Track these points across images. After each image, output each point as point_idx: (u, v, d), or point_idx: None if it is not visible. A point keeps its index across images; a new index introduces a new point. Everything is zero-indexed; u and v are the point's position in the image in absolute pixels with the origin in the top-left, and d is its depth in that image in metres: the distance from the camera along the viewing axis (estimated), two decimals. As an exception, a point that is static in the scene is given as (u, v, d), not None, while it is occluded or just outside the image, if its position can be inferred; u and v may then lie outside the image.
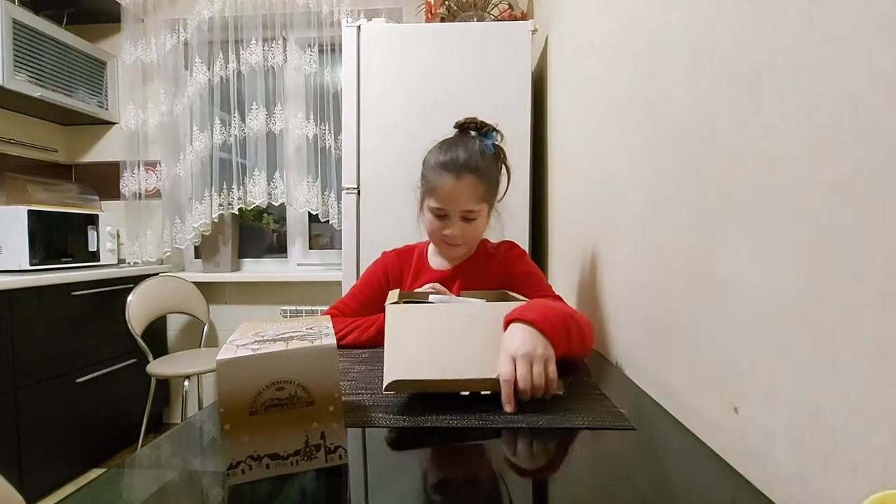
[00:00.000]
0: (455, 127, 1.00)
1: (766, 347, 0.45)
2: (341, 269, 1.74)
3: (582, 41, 1.20)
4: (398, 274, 1.07)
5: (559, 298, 0.97)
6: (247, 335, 0.50)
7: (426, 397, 0.65)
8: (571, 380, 0.72)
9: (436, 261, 1.07)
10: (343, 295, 1.10)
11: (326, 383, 0.45)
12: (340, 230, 2.22)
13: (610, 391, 0.69)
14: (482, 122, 0.99)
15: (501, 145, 1.01)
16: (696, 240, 0.58)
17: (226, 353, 0.43)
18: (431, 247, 1.08)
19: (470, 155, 0.93)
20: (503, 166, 1.02)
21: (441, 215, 0.96)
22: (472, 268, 1.05)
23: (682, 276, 0.62)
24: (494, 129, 1.00)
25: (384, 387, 0.61)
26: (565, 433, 0.55)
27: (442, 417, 0.58)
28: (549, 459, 0.51)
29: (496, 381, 0.61)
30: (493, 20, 1.79)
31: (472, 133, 0.99)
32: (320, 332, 0.50)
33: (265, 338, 0.48)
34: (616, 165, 0.91)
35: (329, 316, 0.59)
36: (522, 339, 0.64)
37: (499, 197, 1.03)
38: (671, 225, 0.65)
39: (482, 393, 0.63)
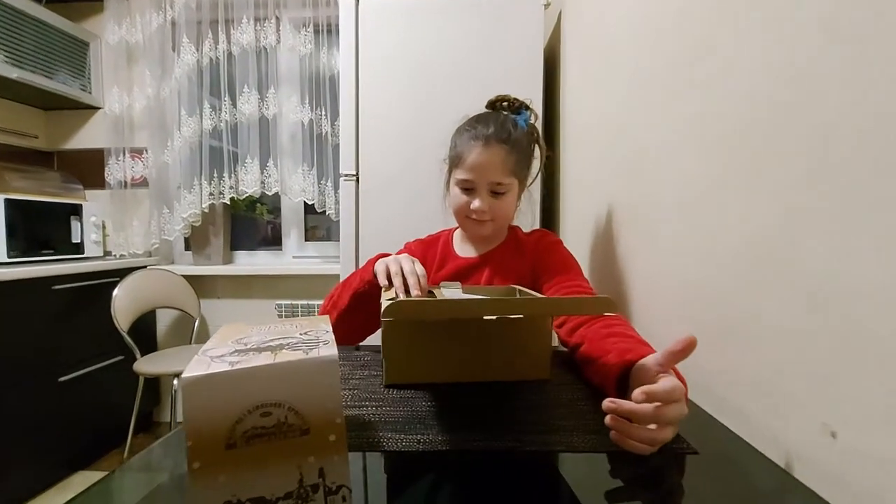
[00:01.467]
0: (487, 106, 0.97)
1: (874, 358, 0.35)
2: (339, 262, 1.64)
3: (603, 11, 1.09)
4: (422, 261, 0.96)
5: (593, 292, 0.87)
6: (225, 342, 0.40)
7: (442, 408, 0.55)
8: None
9: (463, 248, 0.99)
10: None
11: (325, 405, 0.35)
12: (338, 221, 2.12)
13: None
14: (515, 98, 0.95)
15: (536, 125, 0.96)
16: (770, 227, 0.48)
17: (195, 368, 0.33)
18: (458, 234, 1.02)
19: (501, 125, 0.88)
20: (536, 146, 0.96)
21: (468, 188, 0.89)
22: (501, 256, 0.96)
23: (747, 270, 0.52)
24: (527, 107, 0.95)
25: (381, 312, 0.54)
26: (613, 458, 0.45)
27: (464, 437, 0.49)
28: (602, 490, 0.41)
29: (499, 304, 0.58)
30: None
31: (504, 112, 0.94)
32: (318, 337, 0.40)
33: (248, 346, 0.38)
34: (648, 143, 0.81)
35: (328, 317, 0.49)
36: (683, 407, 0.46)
37: (530, 179, 0.97)
38: (730, 208, 0.56)
39: (485, 318, 0.62)
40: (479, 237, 0.97)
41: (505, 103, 0.95)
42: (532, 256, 0.94)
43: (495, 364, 0.67)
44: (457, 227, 1.01)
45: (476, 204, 0.88)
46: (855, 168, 0.38)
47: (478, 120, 0.90)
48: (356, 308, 0.85)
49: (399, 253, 0.98)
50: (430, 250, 1.01)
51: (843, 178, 0.39)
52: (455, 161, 0.90)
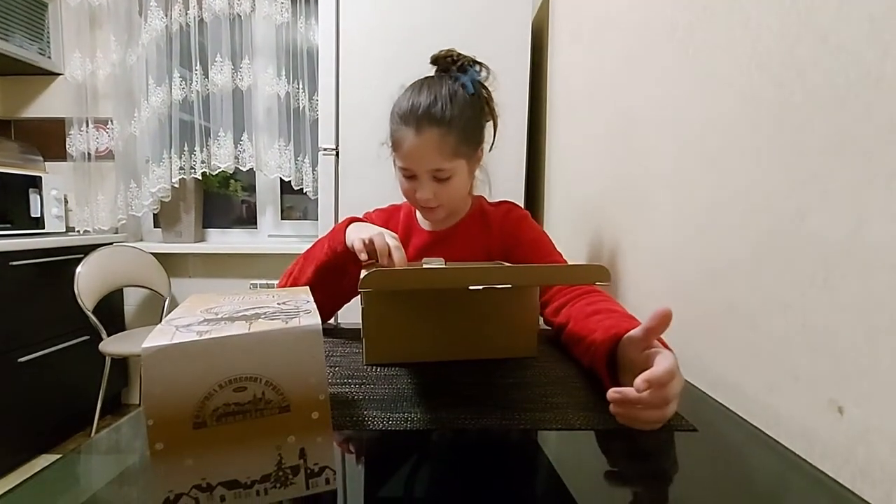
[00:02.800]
0: (431, 62, 0.84)
1: (885, 331, 0.34)
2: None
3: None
4: None
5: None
6: (193, 311, 0.36)
7: (429, 386, 0.52)
8: None
9: (426, 221, 0.92)
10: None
11: (307, 380, 0.31)
12: (316, 200, 2.05)
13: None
14: (459, 54, 0.82)
15: (487, 84, 0.84)
16: (774, 198, 0.46)
17: (158, 337, 0.29)
18: None
19: (435, 101, 0.76)
20: (487, 109, 0.85)
21: (409, 176, 0.81)
22: (467, 229, 0.90)
23: (750, 244, 0.50)
24: (474, 62, 0.83)
25: (359, 283, 0.49)
26: (608, 436, 0.43)
27: (454, 415, 0.46)
28: (600, 470, 0.39)
29: (486, 272, 0.53)
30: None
31: (449, 72, 0.82)
32: (297, 307, 0.36)
33: (219, 315, 0.34)
34: (643, 114, 0.79)
35: (307, 288, 0.45)
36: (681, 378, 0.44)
37: (485, 147, 0.86)
38: (731, 180, 0.54)
39: (470, 288, 0.59)
40: (435, 220, 0.90)
41: (449, 59, 0.82)
42: (500, 232, 0.89)
43: (481, 341, 0.64)
44: None
45: (420, 194, 0.81)
46: (863, 136, 0.36)
47: (412, 94, 0.79)
48: (320, 283, 0.74)
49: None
50: (392, 221, 0.94)
51: (851, 146, 0.37)
52: (393, 146, 0.82)
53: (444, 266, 0.71)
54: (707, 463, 0.40)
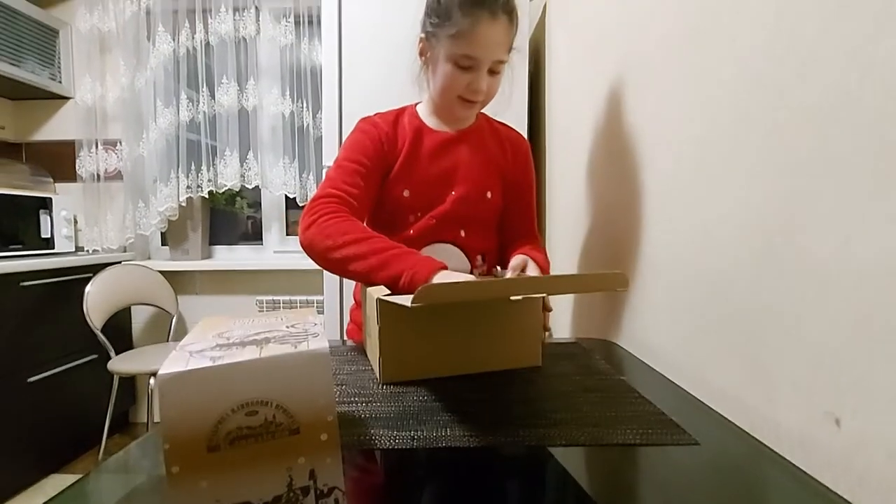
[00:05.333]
0: None
1: (881, 343, 0.34)
2: (322, 256, 1.60)
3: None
4: (392, 140, 0.88)
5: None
6: (206, 337, 0.37)
7: (435, 403, 0.53)
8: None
9: (436, 123, 0.92)
10: (330, 191, 0.80)
11: (316, 402, 0.33)
12: (320, 215, 2.07)
13: (652, 396, 0.58)
14: None
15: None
16: (771, 211, 0.47)
17: (173, 364, 0.31)
18: (422, 108, 0.93)
19: None
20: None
21: (468, 66, 0.80)
22: (478, 135, 0.93)
23: (747, 255, 0.51)
24: None
25: (413, 298, 0.46)
26: (612, 451, 0.44)
27: (460, 433, 0.47)
28: (604, 484, 0.40)
29: (526, 283, 0.59)
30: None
31: None
32: (306, 330, 0.38)
33: (231, 340, 0.36)
34: (641, 130, 0.80)
35: (314, 310, 0.46)
36: None
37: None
38: (729, 192, 0.55)
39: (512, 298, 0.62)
40: (460, 119, 0.91)
41: None
42: (512, 155, 0.95)
43: (492, 353, 0.66)
44: (416, 103, 0.95)
45: (478, 85, 0.80)
46: (846, 155, 0.37)
47: None
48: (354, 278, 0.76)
49: (361, 128, 0.89)
50: (398, 126, 0.91)
51: (835, 165, 0.38)
52: (455, 36, 0.77)
53: (489, 280, 0.75)
54: (709, 476, 0.41)
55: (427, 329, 0.63)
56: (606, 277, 0.55)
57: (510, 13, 0.78)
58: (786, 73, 0.45)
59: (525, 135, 1.54)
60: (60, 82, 2.22)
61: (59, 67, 2.22)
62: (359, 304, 0.97)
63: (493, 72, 0.82)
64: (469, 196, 0.89)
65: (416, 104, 0.95)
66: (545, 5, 1.56)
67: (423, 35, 0.86)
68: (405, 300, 0.52)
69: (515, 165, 0.96)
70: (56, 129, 2.31)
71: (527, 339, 0.68)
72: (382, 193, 0.88)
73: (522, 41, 1.51)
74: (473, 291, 0.54)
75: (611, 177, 0.95)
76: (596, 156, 1.04)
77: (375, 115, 0.94)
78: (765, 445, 0.45)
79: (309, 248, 0.77)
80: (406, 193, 0.87)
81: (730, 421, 0.51)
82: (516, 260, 0.82)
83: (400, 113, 0.94)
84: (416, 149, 0.88)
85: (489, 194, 0.91)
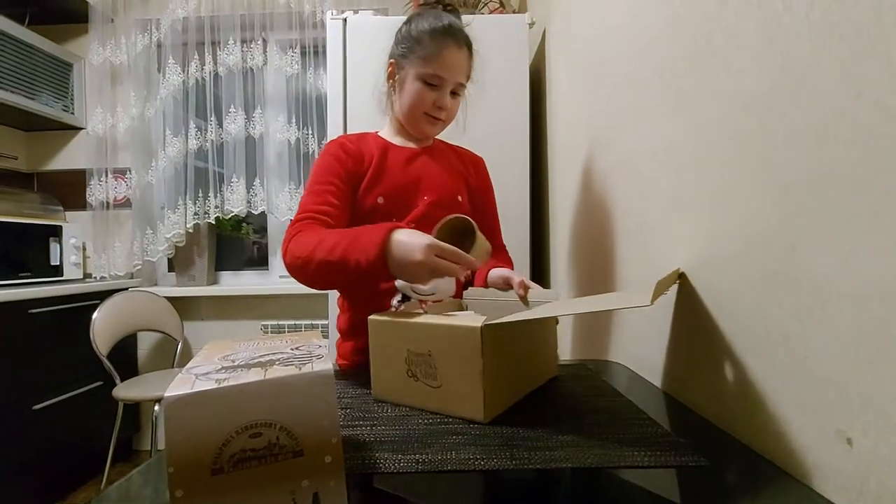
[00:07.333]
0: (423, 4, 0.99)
1: (890, 361, 0.34)
2: (327, 280, 1.60)
3: (590, 22, 1.10)
4: (359, 155, 0.92)
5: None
6: (211, 359, 0.37)
7: (438, 426, 0.53)
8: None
9: (398, 140, 0.99)
10: (303, 214, 0.83)
11: (321, 424, 0.33)
12: (325, 239, 2.09)
13: (659, 417, 0.57)
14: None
15: None
16: (771, 230, 0.48)
17: (179, 386, 0.31)
18: (387, 132, 1.01)
19: (462, 26, 0.91)
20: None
21: (435, 84, 0.90)
22: (439, 150, 1.01)
23: (749, 274, 0.51)
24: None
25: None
26: (621, 473, 0.43)
27: (464, 456, 0.46)
28: (610, 512, 0.39)
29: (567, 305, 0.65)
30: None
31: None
32: (310, 352, 0.38)
33: (236, 363, 0.36)
34: (639, 152, 0.81)
35: (319, 332, 0.47)
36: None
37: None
38: (728, 213, 0.55)
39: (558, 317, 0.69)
40: (424, 135, 0.98)
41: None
42: (473, 168, 1.05)
43: (536, 369, 0.68)
44: (377, 131, 1.01)
45: (442, 102, 0.90)
46: (843, 174, 0.38)
47: (440, 16, 0.90)
48: (329, 284, 0.85)
49: (329, 150, 0.92)
50: (364, 143, 0.95)
51: (833, 183, 0.39)
52: (422, 54, 0.88)
53: (535, 311, 0.73)
54: (720, 498, 0.40)
55: (511, 352, 0.61)
56: (632, 296, 0.55)
57: (469, 47, 0.92)
58: (781, 93, 0.46)
59: (527, 157, 1.56)
60: (73, 113, 2.28)
61: (72, 99, 2.28)
62: (344, 335, 0.96)
63: (455, 93, 0.93)
64: (442, 199, 0.94)
65: (377, 132, 1.01)
66: (545, 31, 1.60)
67: (392, 60, 0.95)
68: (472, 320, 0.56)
69: (477, 176, 1.05)
70: (67, 158, 2.36)
71: (549, 350, 0.72)
72: (357, 204, 0.91)
73: (522, 66, 1.55)
74: (531, 315, 0.56)
75: (612, 197, 0.96)
76: (596, 177, 1.05)
77: (339, 136, 0.99)
78: (776, 466, 0.44)
79: (292, 271, 0.78)
80: (381, 200, 0.91)
81: (741, 441, 0.50)
82: (498, 273, 0.88)
83: (364, 134, 1.00)
84: (383, 161, 0.94)
85: (460, 198, 0.98)
